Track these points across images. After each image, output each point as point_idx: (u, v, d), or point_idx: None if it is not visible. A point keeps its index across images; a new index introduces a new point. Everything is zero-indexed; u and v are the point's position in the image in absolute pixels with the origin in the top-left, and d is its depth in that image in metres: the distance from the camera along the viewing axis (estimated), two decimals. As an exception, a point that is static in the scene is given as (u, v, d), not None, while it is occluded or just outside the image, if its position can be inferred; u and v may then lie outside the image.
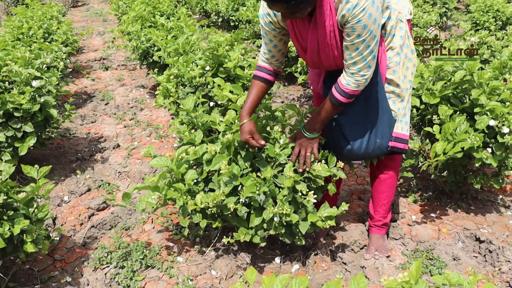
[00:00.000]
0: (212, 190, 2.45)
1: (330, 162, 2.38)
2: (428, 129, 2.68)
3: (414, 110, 3.09)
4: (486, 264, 2.53)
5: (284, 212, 2.18)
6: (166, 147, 4.13)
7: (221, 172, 2.27)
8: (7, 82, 3.28)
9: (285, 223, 2.30)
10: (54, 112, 3.28)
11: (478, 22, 6.85)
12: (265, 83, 2.32)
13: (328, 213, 2.31)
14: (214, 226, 2.45)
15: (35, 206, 2.32)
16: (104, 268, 2.52)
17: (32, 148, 3.30)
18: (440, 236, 2.76)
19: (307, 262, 2.56)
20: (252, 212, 2.34)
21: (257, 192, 2.21)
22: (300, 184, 2.28)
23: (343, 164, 2.36)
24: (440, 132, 2.59)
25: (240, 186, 2.30)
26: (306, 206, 2.31)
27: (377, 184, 2.56)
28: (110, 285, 2.41)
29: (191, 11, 10.04)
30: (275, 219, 2.25)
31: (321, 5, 1.93)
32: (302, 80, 4.64)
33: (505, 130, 2.56)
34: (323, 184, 2.45)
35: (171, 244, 2.73)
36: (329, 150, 2.41)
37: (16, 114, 3.14)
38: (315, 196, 2.28)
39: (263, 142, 2.26)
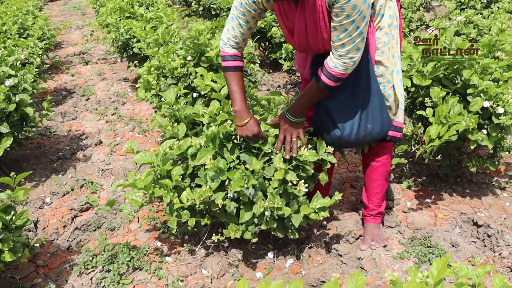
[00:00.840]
0: (199, 186, 2.33)
1: (319, 149, 2.28)
2: (421, 112, 2.58)
3: (405, 93, 2.99)
4: (486, 249, 2.46)
5: (275, 206, 2.08)
6: (150, 141, 4.00)
7: (206, 167, 2.15)
8: (-22, 81, 3.12)
9: (276, 217, 2.20)
10: (30, 110, 3.12)
11: (463, 1, 6.76)
12: (240, 71, 2.19)
13: (321, 204, 2.21)
14: (202, 223, 2.34)
15: (12, 213, 2.18)
16: (89, 273, 2.40)
17: (9, 149, 3.15)
18: (437, 222, 2.68)
19: (301, 256, 2.46)
20: (241, 207, 2.23)
21: (246, 186, 2.10)
22: (289, 173, 2.18)
23: (332, 149, 2.26)
24: (433, 115, 2.50)
25: (228, 180, 2.19)
26: (298, 196, 2.21)
27: (369, 172, 2.46)
28: (97, 290, 2.30)
29: (171, 0, 9.83)
30: (266, 213, 2.14)
31: None
32: (287, 66, 4.52)
33: (500, 110, 2.47)
34: (314, 173, 2.36)
35: (159, 243, 2.62)
36: (317, 137, 2.31)
37: (-10, 114, 2.99)
38: (306, 185, 2.18)
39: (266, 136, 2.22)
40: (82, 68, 6.21)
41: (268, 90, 5.11)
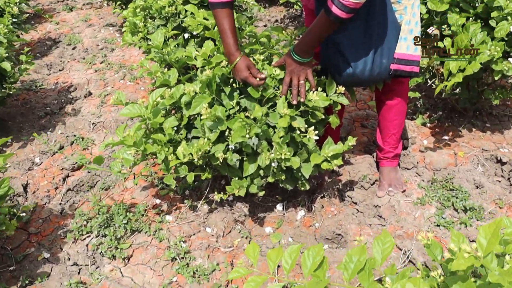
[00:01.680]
0: (197, 138, 2.10)
1: (329, 90, 2.03)
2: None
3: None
4: (513, 188, 2.26)
5: (282, 157, 1.85)
6: (143, 88, 3.73)
7: (202, 117, 1.91)
8: None
9: (284, 168, 1.97)
10: (6, 65, 2.83)
11: None
12: (230, 7, 1.92)
13: (333, 151, 1.97)
14: (203, 177, 2.13)
15: (-9, 181, 1.97)
16: (84, 239, 2.22)
17: (-9, 107, 2.91)
18: (457, 162, 2.47)
19: (313, 207, 2.27)
20: (245, 159, 2.01)
21: (248, 135, 1.87)
22: (297, 120, 1.94)
23: (343, 89, 2.00)
24: (452, 46, 2.22)
25: (228, 130, 1.95)
26: (307, 144, 1.98)
27: (384, 111, 2.22)
28: (94, 257, 2.12)
29: None
30: (273, 164, 1.92)
31: None
32: (285, -1, 4.17)
33: (530, 33, 2.19)
34: (324, 117, 2.12)
35: (158, 201, 2.42)
36: (326, 77, 2.05)
37: (-38, 71, 2.72)
38: (316, 132, 1.94)
39: (263, 75, 1.90)
40: (66, 15, 5.81)
41: (265, 26, 4.76)
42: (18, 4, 4.27)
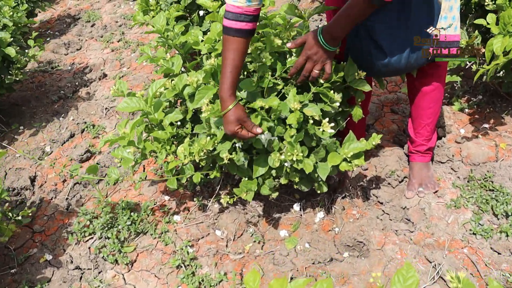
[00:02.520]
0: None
1: (347, 75, 1.77)
2: (480, 21, 1.98)
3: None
4: None
5: (294, 158, 1.63)
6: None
7: (203, 112, 1.70)
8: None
9: (299, 168, 1.75)
10: (11, 51, 2.68)
11: None
12: (247, 37, 1.54)
13: (354, 149, 1.73)
14: (211, 176, 1.94)
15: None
16: (87, 240, 2.08)
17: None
18: (498, 155, 2.18)
19: (333, 208, 2.05)
20: (254, 157, 1.80)
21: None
22: (309, 106, 1.69)
23: (364, 74, 1.74)
24: (497, 24, 1.91)
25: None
26: (322, 139, 1.75)
27: (419, 99, 1.94)
28: (96, 261, 1.98)
29: None
30: (286, 164, 1.71)
31: None
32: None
33: None
34: (345, 108, 1.88)
35: (166, 197, 2.25)
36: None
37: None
38: (332, 124, 1.69)
39: (259, 130, 1.59)
40: (87, -11, 5.66)
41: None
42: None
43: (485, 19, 1.97)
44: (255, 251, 1.93)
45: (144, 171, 2.46)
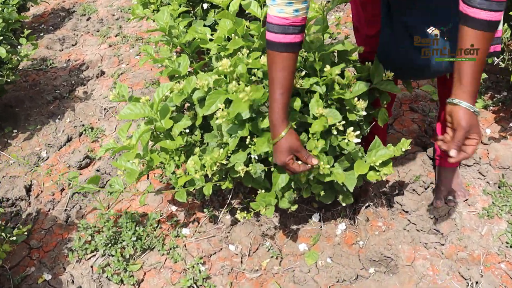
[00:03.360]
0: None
1: (373, 76, 1.61)
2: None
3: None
4: None
5: (321, 172, 1.47)
6: (161, 66, 3.36)
7: (217, 118, 1.53)
8: None
9: (326, 181, 1.59)
10: (1, 51, 2.50)
11: None
12: (296, 51, 1.32)
13: (382, 157, 1.57)
14: (223, 187, 1.78)
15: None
16: (89, 258, 1.92)
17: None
18: (531, 156, 2.03)
19: (356, 219, 1.89)
20: (272, 169, 1.64)
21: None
22: (331, 112, 1.51)
23: (392, 74, 1.58)
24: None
25: (250, 136, 1.57)
26: (345, 150, 1.59)
27: (450, 101, 1.77)
28: (100, 281, 1.83)
29: None
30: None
31: None
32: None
33: None
34: (370, 112, 1.71)
35: (173, 207, 2.10)
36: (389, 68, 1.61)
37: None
38: (357, 132, 1.53)
39: (315, 161, 1.39)
40: (81, -19, 5.44)
41: None
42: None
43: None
44: (273, 267, 1.77)
45: (148, 178, 2.30)
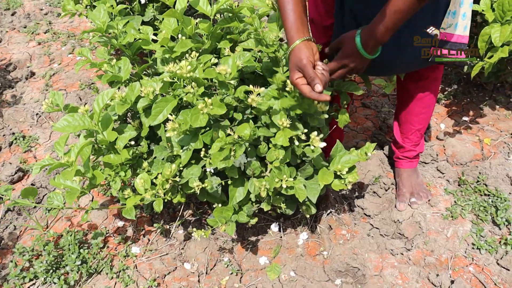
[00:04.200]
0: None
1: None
2: (474, 7, 1.78)
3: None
4: (561, 188, 1.83)
5: (283, 185, 1.36)
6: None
7: (166, 130, 1.39)
8: None
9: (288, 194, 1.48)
10: None
11: None
12: None
13: (347, 162, 1.48)
14: (175, 201, 1.63)
15: None
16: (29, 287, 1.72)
17: None
18: (484, 152, 2.02)
19: (317, 227, 1.80)
20: (229, 182, 1.52)
21: (233, 157, 1.36)
22: (295, 125, 1.42)
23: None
24: (492, 9, 1.71)
25: (204, 147, 1.44)
26: (308, 157, 1.49)
27: (409, 103, 1.71)
28: (41, 313, 1.64)
29: None
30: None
31: None
32: None
33: None
34: (328, 114, 1.62)
35: (120, 223, 1.92)
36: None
37: None
38: (321, 136, 1.42)
39: (319, 88, 1.18)
40: (3, -29, 5.01)
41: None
42: None
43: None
44: (233, 285, 1.66)
45: (90, 192, 2.10)
